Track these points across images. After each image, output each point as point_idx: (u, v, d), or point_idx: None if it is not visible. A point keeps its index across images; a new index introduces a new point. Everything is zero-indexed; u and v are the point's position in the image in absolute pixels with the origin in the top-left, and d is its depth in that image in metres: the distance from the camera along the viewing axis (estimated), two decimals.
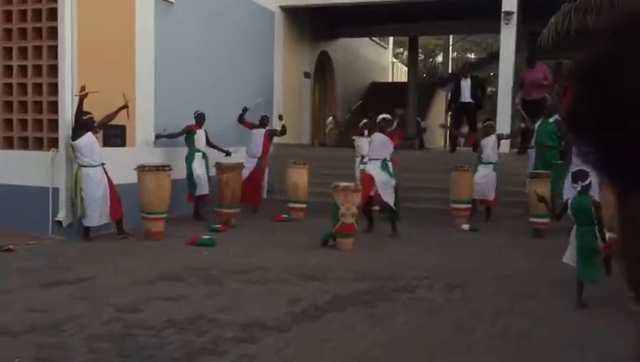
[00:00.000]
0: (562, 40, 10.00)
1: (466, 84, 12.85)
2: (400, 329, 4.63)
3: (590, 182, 5.27)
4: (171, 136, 9.48)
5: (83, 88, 7.48)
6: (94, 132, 7.75)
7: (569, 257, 5.34)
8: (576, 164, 8.48)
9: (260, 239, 8.33)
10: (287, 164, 10.51)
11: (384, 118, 8.82)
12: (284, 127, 11.06)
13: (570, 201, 5.40)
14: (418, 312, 5.06)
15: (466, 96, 12.78)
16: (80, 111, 7.55)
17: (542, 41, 10.03)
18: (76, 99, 7.63)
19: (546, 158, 9.53)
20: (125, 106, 8.15)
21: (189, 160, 9.57)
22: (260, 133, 10.70)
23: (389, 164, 8.64)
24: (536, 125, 9.92)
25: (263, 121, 10.89)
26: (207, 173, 9.68)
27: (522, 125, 10.42)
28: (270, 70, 13.16)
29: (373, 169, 8.55)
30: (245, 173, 10.24)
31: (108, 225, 8.01)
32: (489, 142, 10.00)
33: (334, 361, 3.98)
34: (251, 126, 10.85)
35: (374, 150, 8.70)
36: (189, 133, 9.60)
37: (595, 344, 4.33)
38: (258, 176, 10.70)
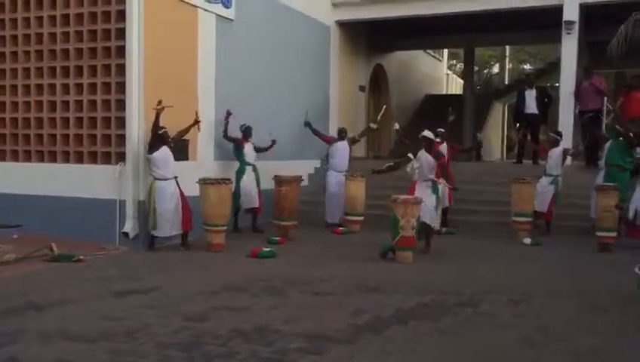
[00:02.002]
0: (628, 49, 9.71)
1: (530, 95, 12.60)
2: (466, 343, 4.56)
3: None
4: (227, 137, 9.60)
5: (160, 102, 7.79)
6: (169, 146, 8.03)
7: None
8: None
9: (319, 251, 8.40)
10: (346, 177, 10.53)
11: (425, 137, 8.04)
12: (363, 132, 11.45)
13: None
14: (483, 326, 4.98)
15: (532, 107, 12.52)
16: (157, 125, 7.85)
17: (611, 51, 9.73)
18: (143, 115, 7.94)
19: (616, 178, 9.08)
20: (196, 122, 8.54)
21: (239, 174, 9.66)
22: (344, 147, 10.72)
23: (440, 186, 8.11)
24: (607, 144, 9.57)
25: (342, 134, 10.86)
26: (258, 187, 9.78)
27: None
28: (326, 84, 13.29)
29: (421, 189, 8.02)
30: (335, 188, 10.38)
31: (171, 236, 8.23)
32: (554, 154, 9.80)
33: None
34: (332, 140, 10.88)
35: (422, 172, 8.02)
36: (237, 146, 9.73)
37: None
38: None
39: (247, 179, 9.67)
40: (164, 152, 7.98)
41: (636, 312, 5.16)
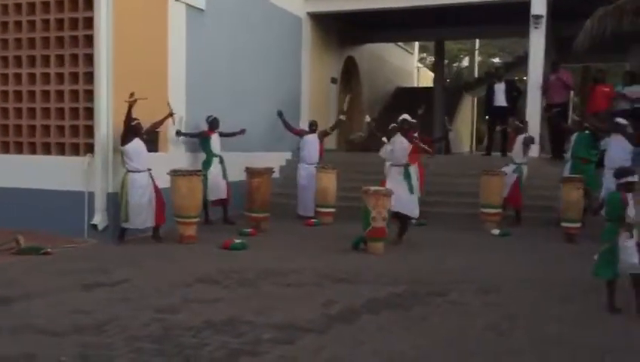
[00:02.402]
0: (595, 44, 9.88)
1: (499, 88, 12.80)
2: (436, 332, 4.64)
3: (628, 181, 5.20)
4: (191, 135, 9.57)
5: (132, 95, 7.71)
6: (142, 138, 7.94)
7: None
8: (610, 168, 8.46)
9: (291, 243, 8.41)
10: (317, 169, 10.56)
11: (405, 120, 8.14)
12: (335, 124, 11.55)
13: (605, 196, 5.43)
14: (454, 315, 5.06)
15: (500, 100, 12.72)
16: (129, 117, 7.77)
17: (577, 45, 9.90)
18: (112, 106, 7.83)
19: (582, 170, 9.27)
20: (170, 114, 8.57)
21: (206, 165, 9.59)
22: (314, 140, 10.82)
23: (411, 169, 8.18)
24: (573, 137, 9.75)
25: (312, 127, 10.98)
26: (225, 178, 9.73)
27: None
28: (297, 76, 13.27)
29: (393, 178, 8.10)
30: (305, 181, 10.49)
31: (141, 228, 8.15)
32: (517, 142, 10.03)
33: None
34: (302, 133, 11.03)
35: (395, 155, 8.16)
36: (203, 138, 9.66)
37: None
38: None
39: (214, 171, 9.61)
40: (137, 144, 7.89)
41: (596, 301, 5.31)
